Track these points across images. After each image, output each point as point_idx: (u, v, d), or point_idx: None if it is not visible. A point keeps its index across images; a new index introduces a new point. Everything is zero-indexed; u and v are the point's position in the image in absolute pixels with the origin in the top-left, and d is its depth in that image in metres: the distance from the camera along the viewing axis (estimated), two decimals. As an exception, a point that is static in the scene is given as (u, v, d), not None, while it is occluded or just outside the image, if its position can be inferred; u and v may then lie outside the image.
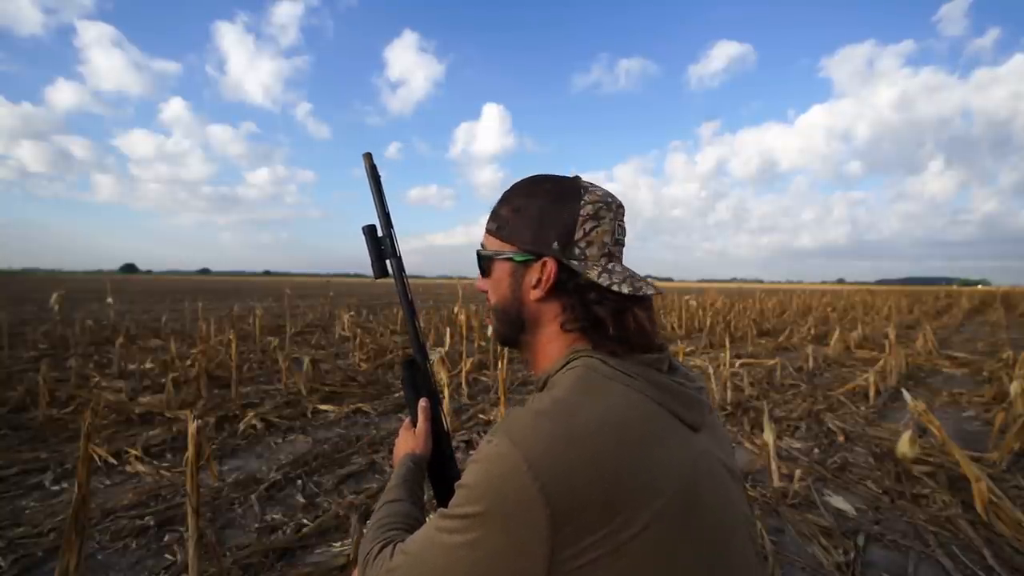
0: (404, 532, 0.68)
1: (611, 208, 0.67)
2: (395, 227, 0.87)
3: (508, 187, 0.73)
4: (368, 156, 0.86)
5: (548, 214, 0.67)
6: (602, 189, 0.69)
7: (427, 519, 0.63)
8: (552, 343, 0.69)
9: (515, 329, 0.72)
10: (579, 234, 0.65)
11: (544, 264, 0.66)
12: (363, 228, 0.86)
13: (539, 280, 0.67)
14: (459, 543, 0.52)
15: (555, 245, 0.66)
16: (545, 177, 0.71)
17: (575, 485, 0.49)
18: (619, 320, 0.64)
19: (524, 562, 0.49)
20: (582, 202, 0.66)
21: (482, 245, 0.74)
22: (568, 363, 0.64)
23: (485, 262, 0.73)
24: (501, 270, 0.71)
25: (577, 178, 0.70)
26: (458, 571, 0.52)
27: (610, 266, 0.66)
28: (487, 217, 0.75)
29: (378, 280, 0.86)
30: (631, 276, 0.65)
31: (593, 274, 0.64)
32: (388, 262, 0.87)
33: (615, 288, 0.63)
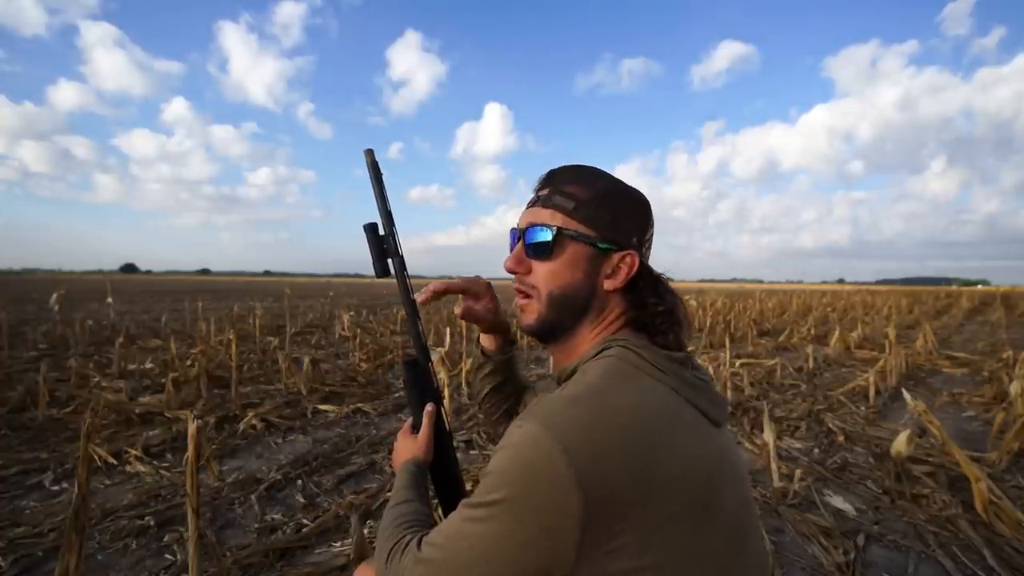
0: (422, 528, 0.67)
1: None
2: (396, 226, 0.85)
3: (566, 167, 0.70)
4: (370, 152, 0.84)
5: (633, 209, 0.68)
6: None
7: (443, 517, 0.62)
8: (600, 334, 0.68)
9: (572, 316, 0.69)
10: (647, 235, 0.69)
11: (625, 256, 0.66)
12: (364, 226, 0.84)
13: (616, 270, 0.67)
14: (492, 530, 0.51)
15: (635, 240, 0.67)
16: (606, 172, 0.71)
17: (609, 471, 0.49)
18: (684, 314, 0.68)
19: (556, 547, 0.49)
20: (650, 208, 0.70)
21: (540, 224, 0.67)
22: (602, 350, 0.64)
23: (557, 240, 0.66)
24: (577, 252, 0.67)
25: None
26: (491, 557, 0.51)
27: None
28: (541, 191, 0.70)
29: (380, 279, 0.85)
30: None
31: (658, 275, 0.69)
32: (390, 261, 0.85)
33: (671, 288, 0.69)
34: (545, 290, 0.68)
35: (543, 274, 0.68)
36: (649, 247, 0.70)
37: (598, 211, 0.66)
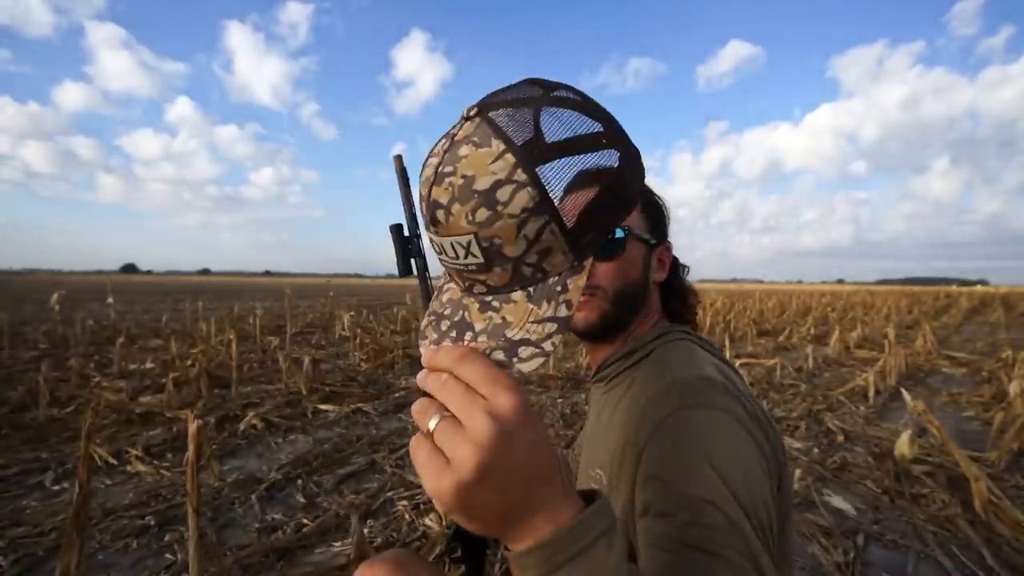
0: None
1: None
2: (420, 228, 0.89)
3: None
4: (399, 159, 0.88)
5: (661, 202, 0.69)
6: None
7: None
8: (643, 325, 0.70)
9: (632, 311, 0.68)
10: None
11: (665, 249, 0.69)
12: (390, 227, 0.88)
13: (660, 263, 0.69)
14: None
15: (666, 231, 0.70)
16: None
17: (766, 434, 0.61)
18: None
19: (771, 480, 0.58)
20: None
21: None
22: (662, 335, 0.67)
23: (622, 240, 0.63)
24: (636, 250, 0.66)
25: None
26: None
27: None
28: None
29: (402, 278, 0.88)
30: None
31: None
32: (413, 261, 0.88)
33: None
34: (611, 288, 0.65)
35: (608, 272, 0.65)
36: None
37: (648, 208, 0.67)
